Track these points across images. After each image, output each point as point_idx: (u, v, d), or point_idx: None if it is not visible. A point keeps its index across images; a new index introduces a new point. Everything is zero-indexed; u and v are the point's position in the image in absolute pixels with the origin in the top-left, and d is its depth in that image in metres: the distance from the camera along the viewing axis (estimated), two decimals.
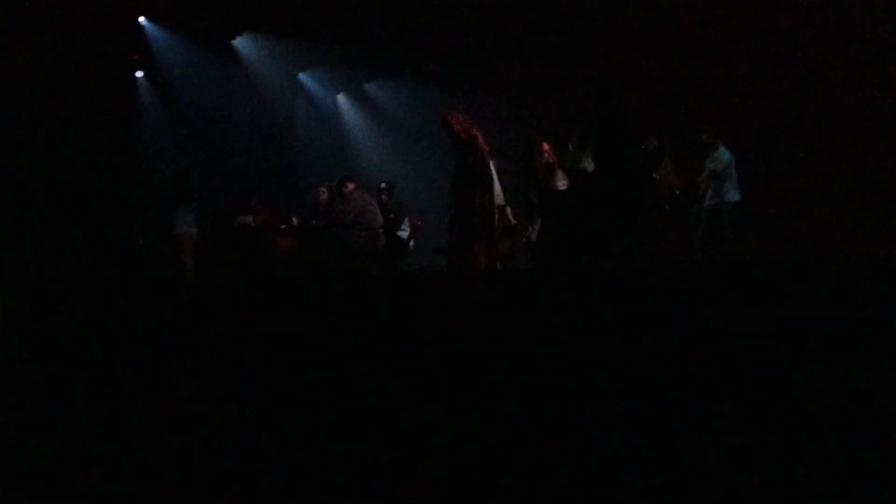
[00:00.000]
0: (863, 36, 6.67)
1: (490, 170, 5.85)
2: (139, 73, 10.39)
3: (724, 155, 6.98)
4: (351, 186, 7.88)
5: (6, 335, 3.52)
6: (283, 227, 8.72)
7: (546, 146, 6.20)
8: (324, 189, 8.46)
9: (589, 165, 5.68)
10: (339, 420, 2.15)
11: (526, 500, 1.67)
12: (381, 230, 7.83)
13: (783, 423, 1.87)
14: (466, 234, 5.73)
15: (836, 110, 6.78)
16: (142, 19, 9.91)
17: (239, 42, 10.63)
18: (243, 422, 2.20)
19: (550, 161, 6.19)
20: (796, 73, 7.07)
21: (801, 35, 7.02)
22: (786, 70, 7.15)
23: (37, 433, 2.22)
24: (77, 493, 1.83)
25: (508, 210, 6.78)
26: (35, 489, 1.84)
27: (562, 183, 6.12)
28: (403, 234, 7.93)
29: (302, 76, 11.59)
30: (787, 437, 1.79)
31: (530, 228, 6.68)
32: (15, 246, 7.81)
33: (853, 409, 1.88)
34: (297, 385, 2.53)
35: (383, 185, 8.18)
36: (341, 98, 11.93)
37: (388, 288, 4.45)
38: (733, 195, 6.94)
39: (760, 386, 2.09)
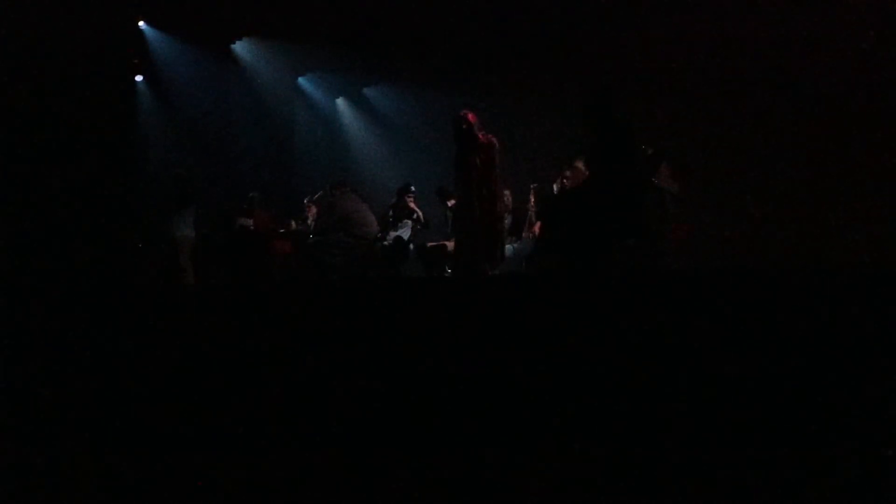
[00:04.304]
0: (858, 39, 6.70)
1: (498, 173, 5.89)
2: (139, 78, 10.41)
3: None
4: (339, 191, 7.87)
5: (7, 337, 3.52)
6: (281, 230, 8.75)
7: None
8: (310, 204, 8.54)
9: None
10: (336, 421, 2.15)
11: (521, 500, 1.68)
12: (379, 234, 7.81)
13: (783, 425, 1.87)
14: (479, 237, 5.74)
15: (832, 114, 6.80)
16: (141, 23, 9.93)
17: (238, 46, 10.65)
18: (241, 422, 2.20)
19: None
20: (791, 76, 7.09)
21: (796, 38, 7.05)
22: (780, 73, 7.17)
23: (37, 434, 2.22)
24: (76, 494, 1.83)
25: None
26: (35, 489, 1.84)
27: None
28: (404, 235, 7.91)
29: (301, 80, 11.60)
30: (787, 439, 1.80)
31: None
32: (15, 249, 7.81)
33: (852, 411, 1.89)
34: (294, 387, 2.54)
35: (413, 188, 8.08)
36: (340, 102, 11.94)
37: (385, 291, 4.45)
38: None
39: (759, 387, 2.10)
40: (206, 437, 2.14)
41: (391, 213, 8.03)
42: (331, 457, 1.95)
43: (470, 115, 5.89)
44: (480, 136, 5.81)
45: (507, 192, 7.28)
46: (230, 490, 1.82)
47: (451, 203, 7.38)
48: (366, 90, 11.58)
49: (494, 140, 5.84)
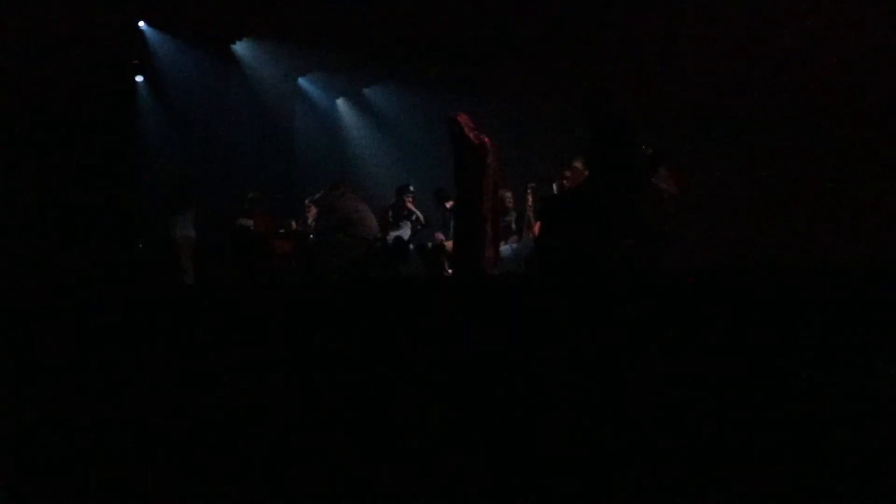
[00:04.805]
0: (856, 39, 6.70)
1: (494, 173, 5.91)
2: (139, 78, 10.41)
3: None
4: (339, 192, 7.87)
5: (6, 337, 3.53)
6: (281, 230, 8.76)
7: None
8: (310, 204, 8.55)
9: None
10: (336, 422, 2.16)
11: (520, 500, 1.69)
12: (379, 234, 7.81)
13: (781, 426, 1.88)
14: (473, 238, 5.76)
15: (832, 113, 6.80)
16: (141, 24, 9.94)
17: (238, 46, 10.66)
18: (241, 423, 2.21)
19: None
20: (791, 75, 7.10)
21: (796, 37, 7.05)
22: (780, 72, 7.17)
23: (36, 434, 2.23)
24: (76, 494, 1.84)
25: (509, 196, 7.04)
26: (35, 490, 1.85)
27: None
28: (404, 235, 7.92)
29: (301, 80, 11.61)
30: (787, 440, 1.80)
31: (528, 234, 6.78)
32: (15, 249, 7.82)
33: (850, 411, 1.90)
34: (294, 387, 2.54)
35: (411, 188, 8.09)
36: (340, 102, 11.95)
37: (385, 291, 4.46)
38: None
39: (758, 389, 2.11)
40: (205, 436, 2.14)
41: (390, 213, 8.04)
42: (330, 456, 1.95)
43: (461, 116, 5.90)
44: (472, 136, 5.82)
45: (508, 194, 7.32)
46: (229, 489, 1.82)
47: (448, 205, 7.39)
48: (366, 90, 11.58)
49: (487, 141, 5.85)
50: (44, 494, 1.83)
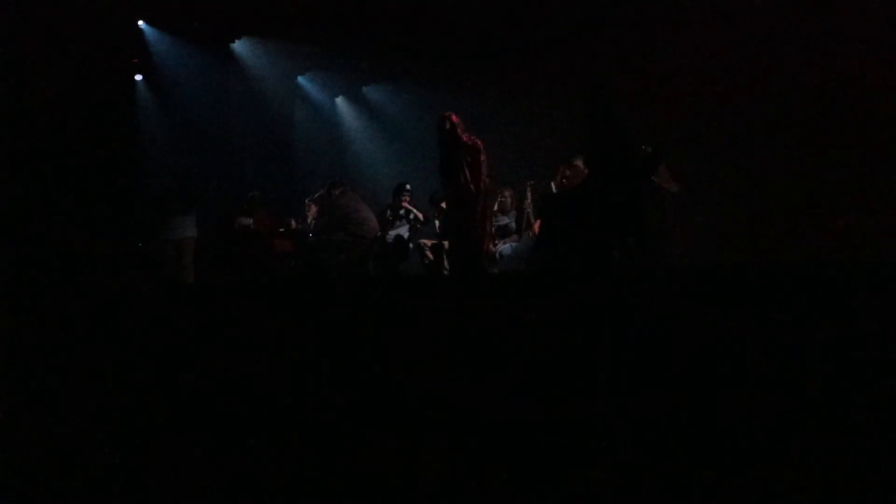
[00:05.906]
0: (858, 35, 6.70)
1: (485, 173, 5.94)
2: (138, 77, 10.42)
3: None
4: (339, 191, 7.88)
5: (7, 337, 3.53)
6: (281, 230, 8.77)
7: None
8: (310, 203, 8.56)
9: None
10: (335, 421, 2.16)
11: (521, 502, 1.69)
12: (378, 233, 7.82)
13: (782, 425, 1.88)
14: (471, 237, 5.78)
15: (832, 112, 6.80)
16: (141, 23, 9.94)
17: (238, 45, 10.65)
18: (240, 422, 2.21)
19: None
20: (788, 73, 7.10)
21: (796, 37, 7.05)
22: (777, 72, 7.17)
23: (36, 435, 2.23)
24: (77, 495, 1.84)
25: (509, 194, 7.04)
26: (35, 490, 1.85)
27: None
28: (403, 234, 7.92)
29: (301, 79, 11.61)
30: (787, 439, 1.81)
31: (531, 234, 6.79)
32: (15, 249, 7.82)
33: (847, 411, 1.90)
34: (293, 386, 2.54)
35: (408, 187, 8.09)
36: (340, 101, 11.95)
37: (385, 290, 4.47)
38: None
39: (756, 387, 2.11)
40: (205, 435, 2.14)
41: (389, 213, 8.05)
42: (328, 457, 1.95)
43: (453, 117, 5.93)
44: (465, 137, 5.84)
45: (509, 193, 7.33)
46: (228, 488, 1.82)
47: (444, 206, 7.41)
48: (365, 89, 11.58)
49: (479, 142, 5.88)
50: (42, 494, 1.83)
